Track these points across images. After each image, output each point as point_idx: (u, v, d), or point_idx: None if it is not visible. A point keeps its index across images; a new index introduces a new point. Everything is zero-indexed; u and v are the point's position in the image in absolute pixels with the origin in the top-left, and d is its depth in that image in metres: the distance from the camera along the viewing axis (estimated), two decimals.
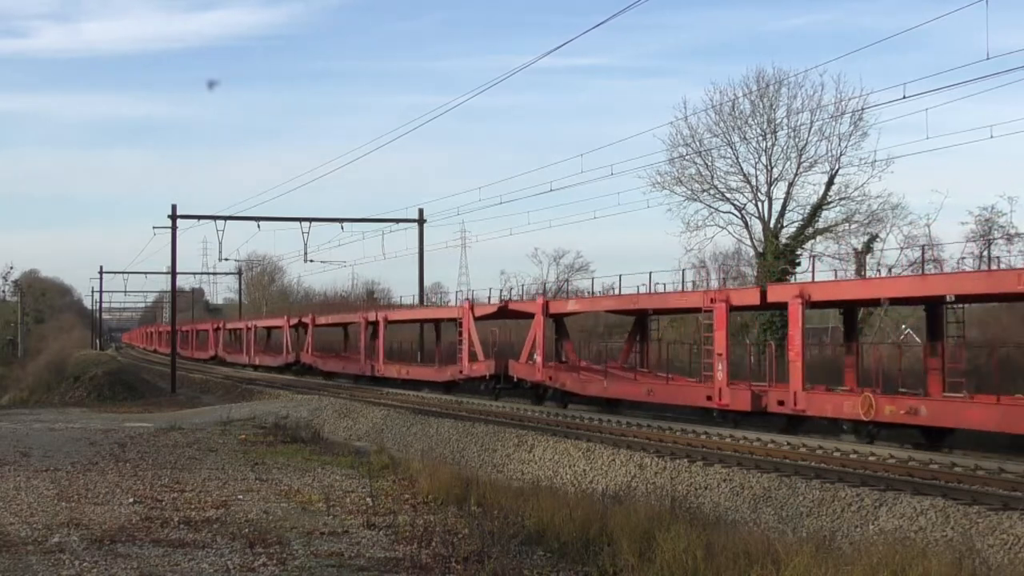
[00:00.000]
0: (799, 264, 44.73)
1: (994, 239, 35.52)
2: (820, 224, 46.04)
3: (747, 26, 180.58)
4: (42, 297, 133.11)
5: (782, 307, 28.45)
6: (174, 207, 57.98)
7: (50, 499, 18.58)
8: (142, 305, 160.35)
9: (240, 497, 19.00)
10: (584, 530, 14.27)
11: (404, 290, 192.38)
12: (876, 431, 23.74)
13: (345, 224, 59.16)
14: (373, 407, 38.75)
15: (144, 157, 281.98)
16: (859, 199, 45.36)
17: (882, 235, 44.74)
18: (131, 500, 18.45)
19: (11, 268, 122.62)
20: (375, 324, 52.38)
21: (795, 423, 26.43)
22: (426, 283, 62.52)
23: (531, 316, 38.36)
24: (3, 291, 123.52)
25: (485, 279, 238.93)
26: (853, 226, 45.63)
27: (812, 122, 44.64)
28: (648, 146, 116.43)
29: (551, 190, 43.33)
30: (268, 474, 22.47)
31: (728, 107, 46.46)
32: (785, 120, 45.60)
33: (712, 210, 47.68)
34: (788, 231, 46.58)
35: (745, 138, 46.48)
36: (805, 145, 45.75)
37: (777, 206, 46.64)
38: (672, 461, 22.55)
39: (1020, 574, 13.85)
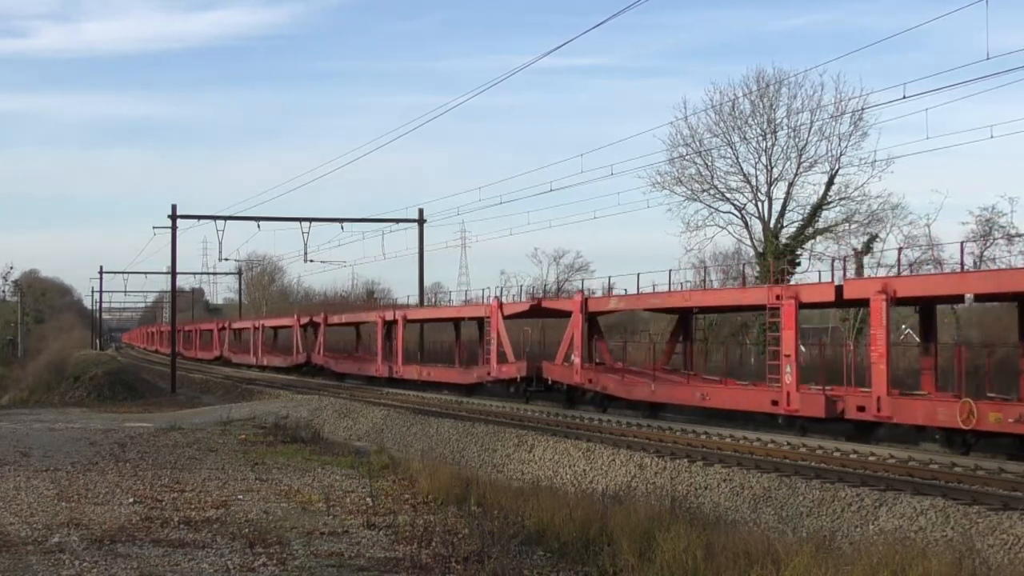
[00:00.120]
0: (799, 264, 44.82)
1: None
2: (820, 224, 46.12)
3: (747, 26, 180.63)
4: (42, 297, 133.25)
5: (861, 304, 26.92)
6: (174, 207, 58.04)
7: (50, 499, 18.58)
8: (142, 305, 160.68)
9: (240, 497, 19.00)
10: (584, 530, 14.26)
11: (404, 290, 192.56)
12: (974, 440, 21.78)
13: (345, 224, 59.19)
14: (373, 407, 38.74)
15: (144, 157, 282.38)
16: (859, 199, 45.49)
17: (882, 235, 44.86)
18: (131, 500, 18.45)
19: (11, 268, 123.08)
20: (393, 323, 50.36)
21: (865, 430, 24.62)
22: (426, 283, 62.58)
23: (566, 315, 36.45)
24: (3, 291, 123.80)
25: (485, 279, 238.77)
26: (853, 226, 45.73)
27: (812, 122, 44.73)
28: (648, 146, 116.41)
29: (551, 190, 43.33)
30: (268, 474, 22.47)
31: (728, 107, 46.59)
32: (785, 120, 45.72)
33: (712, 210, 47.81)
34: (788, 231, 46.64)
35: (745, 138, 46.56)
36: (805, 145, 45.87)
37: (777, 206, 46.75)
38: (672, 461, 22.55)
39: (1020, 574, 13.85)
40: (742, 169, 46.98)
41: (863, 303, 26.49)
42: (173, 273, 62.46)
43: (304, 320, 64.88)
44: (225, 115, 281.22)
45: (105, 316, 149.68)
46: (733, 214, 47.73)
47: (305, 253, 59.13)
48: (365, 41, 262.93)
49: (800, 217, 46.60)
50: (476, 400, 39.82)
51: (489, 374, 40.00)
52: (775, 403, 26.12)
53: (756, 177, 46.81)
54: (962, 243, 28.52)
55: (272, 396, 49.50)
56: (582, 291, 36.01)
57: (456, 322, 48.32)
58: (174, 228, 57.98)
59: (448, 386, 44.54)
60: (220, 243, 58.11)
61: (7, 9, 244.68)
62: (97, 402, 55.07)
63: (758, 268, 46.56)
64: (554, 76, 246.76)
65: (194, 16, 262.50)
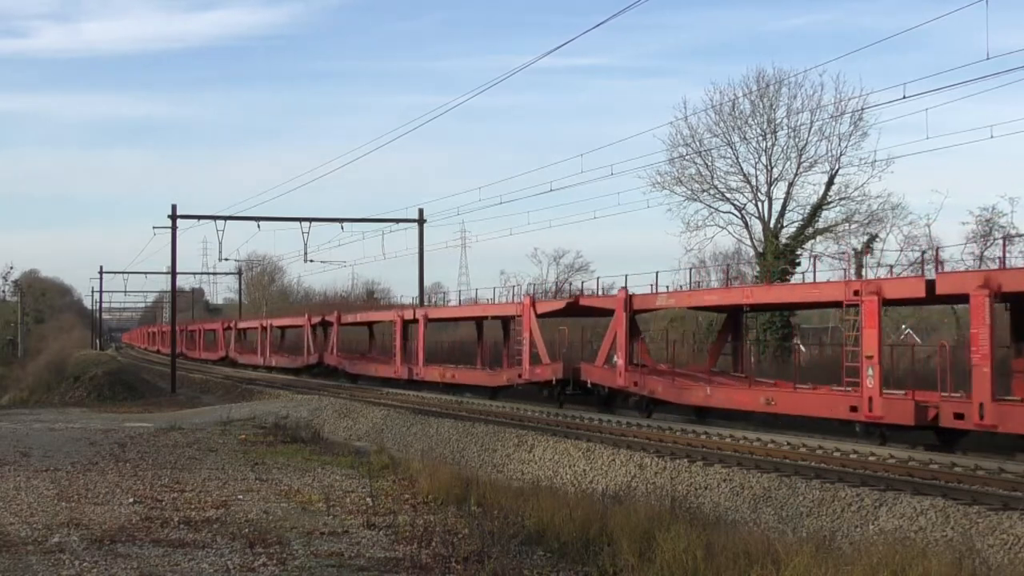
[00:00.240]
0: (799, 264, 44.83)
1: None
2: (820, 224, 46.15)
3: (747, 26, 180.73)
4: (42, 297, 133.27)
5: (956, 300, 24.73)
6: (174, 207, 58.04)
7: (50, 499, 18.57)
8: (142, 305, 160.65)
9: (240, 497, 19.00)
10: (584, 530, 14.26)
11: (404, 290, 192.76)
12: None
13: (345, 224, 59.17)
14: (373, 407, 38.73)
15: (144, 157, 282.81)
16: (859, 199, 45.51)
17: (882, 235, 44.86)
18: (131, 500, 18.45)
19: (11, 268, 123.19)
20: (413, 323, 47.80)
21: (950, 440, 22.70)
22: (426, 283, 62.56)
23: (606, 313, 34.39)
24: (3, 291, 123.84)
25: (485, 279, 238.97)
26: (853, 226, 45.76)
27: (812, 122, 44.76)
28: (648, 146, 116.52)
29: (551, 190, 43.33)
30: (268, 474, 22.47)
31: (728, 107, 46.63)
32: (785, 120, 45.75)
33: (712, 210, 47.85)
34: (788, 231, 46.67)
35: (745, 138, 46.58)
36: (805, 145, 45.90)
37: (777, 206, 46.78)
38: (672, 461, 22.54)
39: (1020, 574, 13.84)
40: (742, 169, 47.05)
41: (959, 299, 24.56)
42: (173, 273, 62.45)
43: (316, 319, 62.57)
44: (225, 115, 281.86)
45: (105, 316, 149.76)
46: (733, 214, 47.80)
47: (305, 253, 59.17)
48: (365, 41, 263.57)
49: (800, 217, 46.67)
50: (477, 400, 39.75)
51: (520, 376, 37.50)
52: (854, 409, 23.92)
53: (756, 177, 46.89)
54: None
55: (272, 396, 49.49)
56: (625, 288, 33.41)
57: (479, 321, 45.95)
58: (174, 228, 57.99)
59: (470, 388, 42.54)
60: (220, 243, 58.19)
61: (7, 9, 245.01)
62: (97, 402, 55.07)
63: (758, 268, 46.61)
64: (554, 76, 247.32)
65: (194, 16, 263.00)
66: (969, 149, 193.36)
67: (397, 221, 60.28)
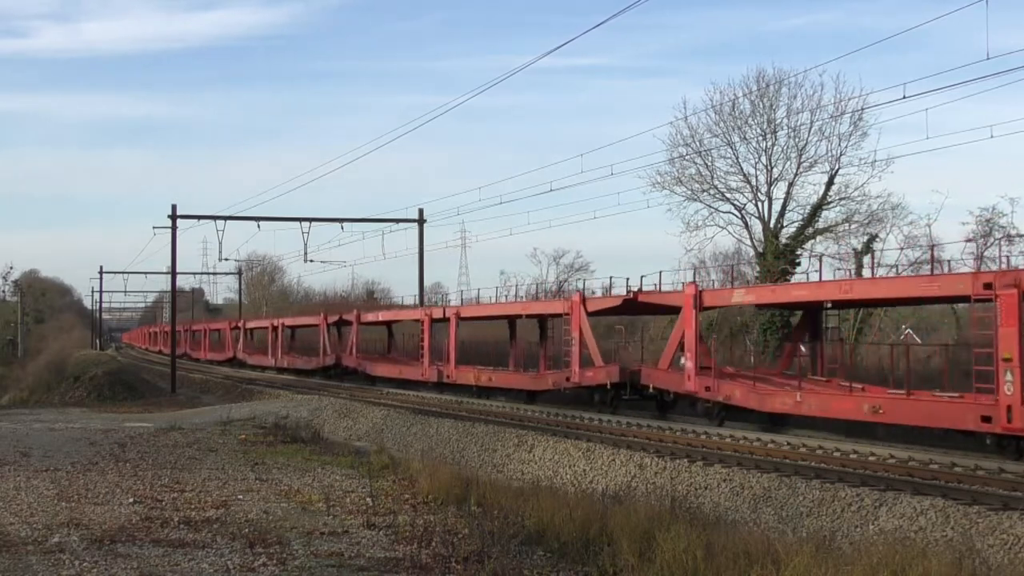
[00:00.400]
0: (799, 264, 44.84)
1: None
2: (820, 224, 46.14)
3: (747, 26, 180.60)
4: (42, 297, 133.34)
5: None
6: (174, 207, 58.07)
7: (50, 499, 18.57)
8: (142, 305, 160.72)
9: (240, 497, 19.00)
10: (584, 530, 14.26)
11: (404, 290, 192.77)
12: None
13: (345, 224, 59.23)
14: (373, 407, 38.75)
15: (144, 157, 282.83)
16: (859, 199, 45.51)
17: (882, 235, 44.87)
18: (131, 500, 18.45)
19: (11, 268, 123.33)
20: (443, 321, 45.01)
21: None
22: (426, 283, 62.58)
23: (669, 310, 31.72)
24: (3, 291, 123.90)
25: (485, 279, 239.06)
26: (853, 226, 45.75)
27: (812, 122, 44.74)
28: (648, 146, 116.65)
29: (551, 190, 43.33)
30: (268, 474, 22.47)
31: (728, 107, 46.62)
32: (785, 120, 45.73)
33: (712, 210, 47.84)
34: (788, 231, 46.66)
35: (745, 138, 46.57)
36: (805, 145, 45.89)
37: (777, 206, 46.77)
38: (672, 461, 22.55)
39: (1020, 574, 13.85)
40: (742, 169, 47.04)
41: None
42: (173, 273, 62.47)
43: (333, 319, 59.07)
44: (225, 115, 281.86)
45: (105, 316, 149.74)
46: (733, 214, 47.79)
47: (305, 253, 59.20)
48: (365, 41, 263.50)
49: (800, 217, 46.65)
50: (477, 401, 39.73)
51: (569, 379, 34.44)
52: (987, 420, 21.03)
53: (756, 177, 46.88)
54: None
55: (272, 396, 49.51)
56: (695, 283, 30.67)
57: (511, 320, 42.26)
58: (174, 228, 58.02)
59: (505, 392, 39.88)
60: (220, 243, 58.25)
61: (7, 9, 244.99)
62: (97, 402, 55.11)
63: (758, 268, 46.61)
64: (554, 76, 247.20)
65: (194, 16, 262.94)
66: (969, 149, 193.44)
67: (397, 221, 60.38)
